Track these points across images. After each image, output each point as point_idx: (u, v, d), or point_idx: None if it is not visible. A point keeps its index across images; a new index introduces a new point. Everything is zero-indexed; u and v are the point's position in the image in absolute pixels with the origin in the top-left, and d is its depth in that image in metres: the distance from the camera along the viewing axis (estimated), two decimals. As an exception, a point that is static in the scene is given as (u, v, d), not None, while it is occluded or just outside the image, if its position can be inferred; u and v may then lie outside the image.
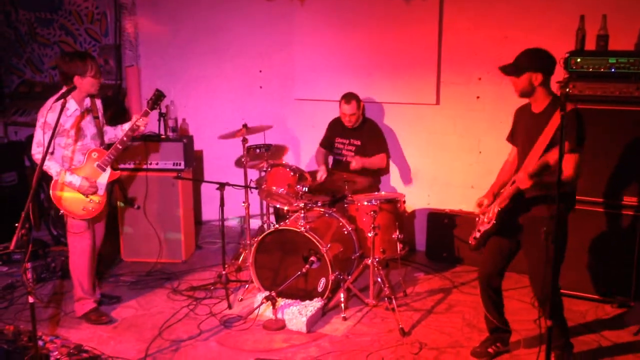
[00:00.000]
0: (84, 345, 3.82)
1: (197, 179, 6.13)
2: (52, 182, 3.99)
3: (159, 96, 4.14)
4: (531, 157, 3.24)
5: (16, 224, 3.00)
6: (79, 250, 4.18)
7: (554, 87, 3.37)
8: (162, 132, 5.37)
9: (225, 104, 6.22)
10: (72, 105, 4.00)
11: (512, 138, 3.63)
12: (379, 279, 4.42)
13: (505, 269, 3.60)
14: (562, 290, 3.86)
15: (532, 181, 3.13)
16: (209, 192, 6.27)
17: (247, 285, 4.69)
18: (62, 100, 3.62)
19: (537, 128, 3.24)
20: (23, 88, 6.92)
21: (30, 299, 3.10)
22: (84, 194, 4.04)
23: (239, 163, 5.34)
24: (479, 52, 5.11)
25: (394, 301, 4.22)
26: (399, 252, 4.53)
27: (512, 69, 3.35)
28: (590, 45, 4.41)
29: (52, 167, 3.96)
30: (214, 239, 5.97)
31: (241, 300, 4.55)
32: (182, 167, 5.27)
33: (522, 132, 3.46)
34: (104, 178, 4.11)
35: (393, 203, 4.58)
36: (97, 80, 4.06)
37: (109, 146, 4.18)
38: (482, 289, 3.64)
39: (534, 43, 4.84)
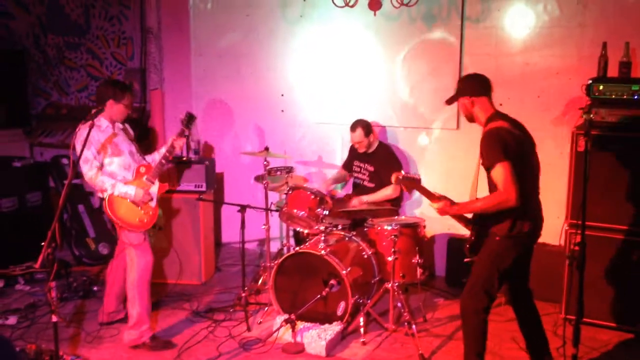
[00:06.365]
0: (104, 365, 3.84)
1: (218, 200, 6.17)
2: (107, 197, 4.03)
3: (190, 117, 4.30)
4: (473, 182, 3.60)
5: (42, 243, 3.04)
6: (143, 265, 4.13)
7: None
8: (185, 154, 5.43)
9: (247, 127, 6.28)
10: (103, 122, 4.11)
11: None
12: (399, 304, 4.39)
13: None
14: (585, 319, 3.81)
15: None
16: (228, 214, 6.31)
17: (266, 308, 4.68)
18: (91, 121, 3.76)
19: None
20: (50, 110, 7.06)
21: (54, 318, 3.13)
22: (138, 203, 4.10)
23: (259, 185, 5.37)
24: (500, 77, 5.09)
25: (413, 326, 4.20)
26: (418, 277, 4.51)
27: (450, 98, 3.60)
28: (612, 72, 4.41)
29: (105, 180, 4.02)
30: (233, 260, 5.99)
31: (260, 322, 4.55)
32: (204, 189, 5.31)
33: None
34: (154, 189, 4.21)
35: (413, 227, 4.56)
36: (127, 110, 4.22)
37: None
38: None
39: (555, 70, 4.91)
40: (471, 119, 3.56)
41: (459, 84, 3.61)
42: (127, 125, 4.37)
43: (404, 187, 3.82)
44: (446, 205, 3.52)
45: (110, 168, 4.11)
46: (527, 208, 3.35)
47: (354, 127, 5.20)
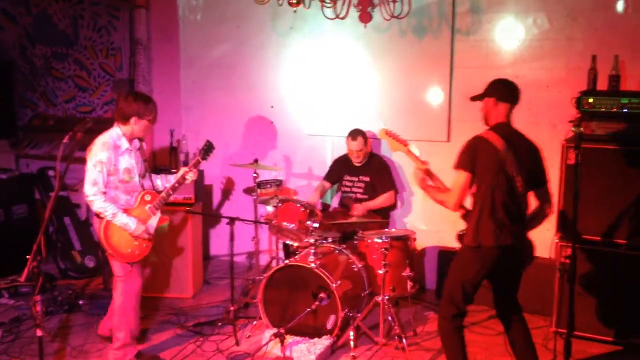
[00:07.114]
0: (89, 381, 3.78)
1: (207, 213, 6.13)
2: (104, 222, 3.86)
3: (209, 148, 4.22)
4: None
5: (28, 257, 2.99)
6: (130, 293, 4.01)
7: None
8: (174, 166, 5.39)
9: (237, 139, 6.25)
10: (124, 144, 3.94)
11: None
12: (390, 318, 4.36)
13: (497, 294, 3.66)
14: (576, 333, 3.80)
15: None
16: (217, 227, 6.27)
17: (255, 322, 4.63)
18: (115, 139, 3.76)
19: None
20: (36, 121, 6.99)
21: (39, 333, 3.07)
22: (135, 237, 3.97)
23: (248, 198, 5.34)
24: (490, 90, 5.14)
25: (404, 340, 4.17)
26: (409, 290, 4.49)
27: (476, 96, 3.65)
28: (602, 85, 4.44)
29: (107, 208, 3.81)
30: (222, 274, 5.94)
31: (249, 337, 4.50)
32: (193, 201, 5.27)
33: None
34: (154, 221, 4.06)
35: (404, 240, 4.55)
36: (151, 125, 4.05)
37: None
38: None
39: (546, 82, 4.93)
40: (487, 121, 3.57)
41: (490, 85, 3.58)
42: (144, 144, 4.16)
43: (389, 144, 4.00)
44: (421, 180, 3.73)
45: (116, 192, 3.94)
46: (492, 222, 3.33)
47: (355, 136, 5.19)
